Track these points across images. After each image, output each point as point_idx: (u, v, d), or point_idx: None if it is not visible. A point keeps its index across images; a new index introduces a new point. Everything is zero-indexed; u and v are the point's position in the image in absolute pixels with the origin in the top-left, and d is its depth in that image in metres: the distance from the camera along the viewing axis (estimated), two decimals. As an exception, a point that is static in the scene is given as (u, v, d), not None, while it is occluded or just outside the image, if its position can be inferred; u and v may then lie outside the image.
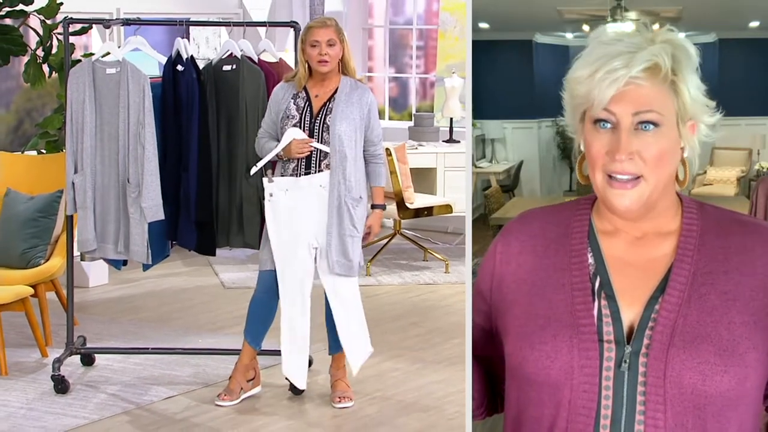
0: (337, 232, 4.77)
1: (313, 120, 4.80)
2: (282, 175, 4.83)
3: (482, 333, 1.83)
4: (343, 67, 4.85)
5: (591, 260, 1.72)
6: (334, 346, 5.05)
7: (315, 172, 4.78)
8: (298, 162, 4.81)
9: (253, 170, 4.91)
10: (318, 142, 4.78)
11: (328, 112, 4.79)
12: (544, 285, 1.73)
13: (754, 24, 2.19)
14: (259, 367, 5.16)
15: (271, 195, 4.80)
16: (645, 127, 1.62)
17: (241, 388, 5.06)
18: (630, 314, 1.68)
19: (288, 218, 4.79)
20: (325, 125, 4.78)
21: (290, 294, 4.84)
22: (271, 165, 4.90)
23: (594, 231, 1.74)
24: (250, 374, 5.08)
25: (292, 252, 4.80)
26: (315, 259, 4.82)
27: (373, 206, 4.93)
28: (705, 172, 2.59)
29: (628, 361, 1.64)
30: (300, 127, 4.78)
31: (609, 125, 1.63)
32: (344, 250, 4.79)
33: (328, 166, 4.77)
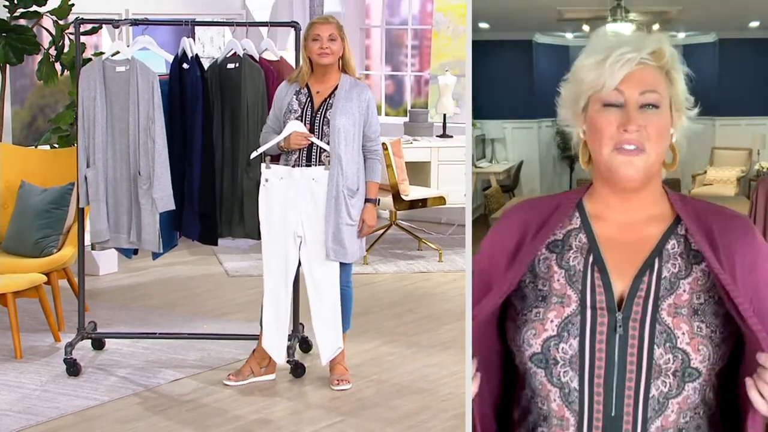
0: (334, 221, 4.75)
1: (314, 114, 4.79)
2: (285, 165, 4.82)
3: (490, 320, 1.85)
4: (344, 65, 4.83)
5: (584, 239, 1.81)
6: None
7: (315, 165, 4.75)
8: (299, 154, 4.80)
9: (253, 155, 4.89)
10: (318, 135, 4.77)
11: (328, 107, 4.78)
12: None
13: (754, 24, 2.13)
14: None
15: (266, 180, 4.79)
16: (648, 107, 1.74)
17: (252, 373, 5.03)
18: (620, 285, 1.76)
19: (279, 205, 4.78)
20: (325, 119, 4.76)
21: (275, 278, 4.83)
22: (275, 157, 4.88)
23: (585, 212, 1.83)
24: (264, 361, 5.03)
25: (279, 238, 4.80)
26: (299, 248, 4.79)
27: (366, 200, 4.86)
28: (705, 172, 2.54)
29: (621, 326, 1.73)
30: (301, 121, 4.78)
31: (617, 107, 1.74)
32: (339, 238, 4.76)
33: (327, 161, 4.73)
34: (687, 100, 1.78)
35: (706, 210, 1.79)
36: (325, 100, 4.80)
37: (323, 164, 4.75)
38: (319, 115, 4.78)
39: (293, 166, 4.79)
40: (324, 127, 4.76)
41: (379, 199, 4.99)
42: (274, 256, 4.83)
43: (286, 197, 4.77)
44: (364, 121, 4.81)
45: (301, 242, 4.79)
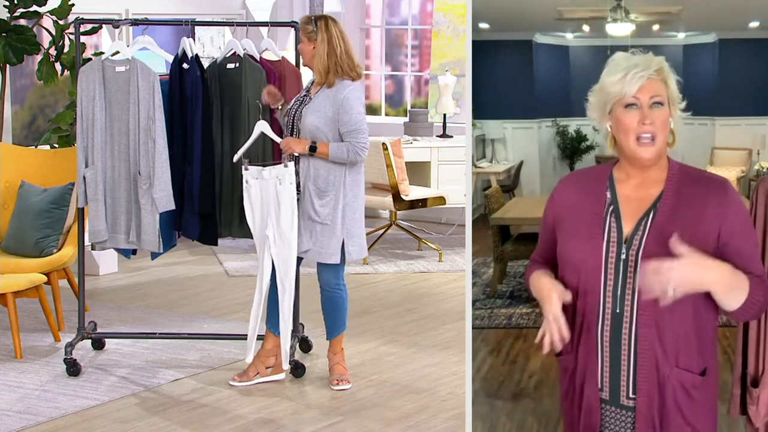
0: (302, 219, 4.76)
1: (295, 113, 4.83)
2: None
3: (549, 244, 2.65)
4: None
5: (609, 196, 2.54)
6: (331, 331, 5.00)
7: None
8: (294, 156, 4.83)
9: (235, 158, 4.92)
10: (292, 133, 4.82)
11: (306, 105, 4.79)
12: (578, 211, 2.57)
13: (754, 24, 2.16)
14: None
15: (247, 182, 4.80)
16: (656, 105, 2.45)
17: (257, 373, 5.02)
18: (628, 227, 2.49)
19: (258, 205, 4.79)
20: (299, 117, 4.80)
21: (266, 275, 4.82)
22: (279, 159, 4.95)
23: (613, 179, 2.55)
24: (270, 361, 5.02)
25: (260, 237, 4.82)
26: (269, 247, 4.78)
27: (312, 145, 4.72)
28: (705, 173, 2.61)
29: (626, 253, 2.46)
30: (290, 120, 4.82)
31: (635, 107, 2.44)
32: (309, 235, 4.76)
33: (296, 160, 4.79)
34: (678, 97, 2.50)
35: (696, 175, 2.49)
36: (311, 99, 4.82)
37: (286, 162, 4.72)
38: (297, 113, 4.80)
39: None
40: (300, 125, 4.79)
41: (315, 148, 4.69)
42: (259, 256, 4.84)
43: (261, 198, 4.78)
44: (339, 119, 4.68)
45: (270, 241, 4.76)
